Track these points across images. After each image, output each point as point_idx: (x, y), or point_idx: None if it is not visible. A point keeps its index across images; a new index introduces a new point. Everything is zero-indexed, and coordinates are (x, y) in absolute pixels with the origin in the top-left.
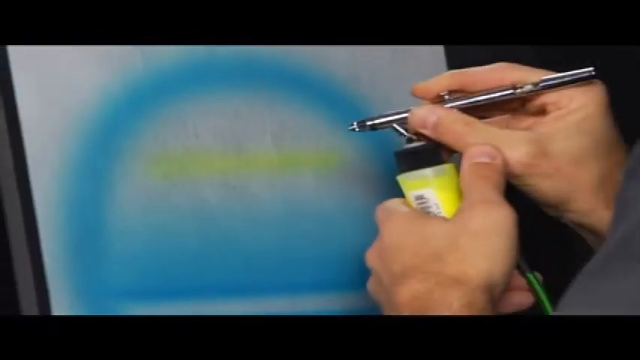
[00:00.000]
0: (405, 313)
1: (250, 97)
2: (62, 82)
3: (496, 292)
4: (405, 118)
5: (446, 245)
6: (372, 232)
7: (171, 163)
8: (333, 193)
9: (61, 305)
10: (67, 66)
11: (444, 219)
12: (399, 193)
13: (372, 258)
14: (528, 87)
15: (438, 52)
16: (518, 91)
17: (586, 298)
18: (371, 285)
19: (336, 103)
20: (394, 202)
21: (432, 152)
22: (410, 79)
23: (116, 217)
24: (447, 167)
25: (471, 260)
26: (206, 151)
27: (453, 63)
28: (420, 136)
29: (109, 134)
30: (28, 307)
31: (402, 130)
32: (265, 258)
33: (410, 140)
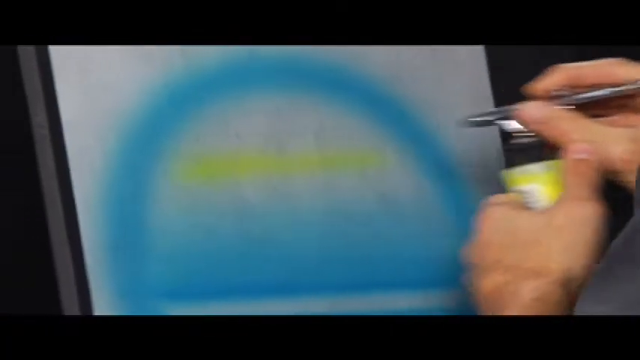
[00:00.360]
0: (483, 307)
1: (292, 97)
2: (103, 83)
3: (574, 286)
4: (511, 114)
5: (530, 239)
6: (411, 231)
7: (212, 163)
8: (373, 193)
9: (103, 305)
10: (108, 66)
11: (535, 213)
12: (436, 190)
13: (467, 253)
14: (631, 85)
15: (478, 51)
16: (622, 88)
17: (598, 298)
18: (467, 280)
19: (377, 103)
20: (495, 198)
21: (539, 148)
22: (450, 79)
23: (157, 217)
24: (553, 163)
25: (551, 254)
26: (247, 151)
27: (494, 63)
28: (527, 132)
29: (151, 134)
30: (70, 307)
31: (508, 127)
32: (306, 258)
33: (515, 136)
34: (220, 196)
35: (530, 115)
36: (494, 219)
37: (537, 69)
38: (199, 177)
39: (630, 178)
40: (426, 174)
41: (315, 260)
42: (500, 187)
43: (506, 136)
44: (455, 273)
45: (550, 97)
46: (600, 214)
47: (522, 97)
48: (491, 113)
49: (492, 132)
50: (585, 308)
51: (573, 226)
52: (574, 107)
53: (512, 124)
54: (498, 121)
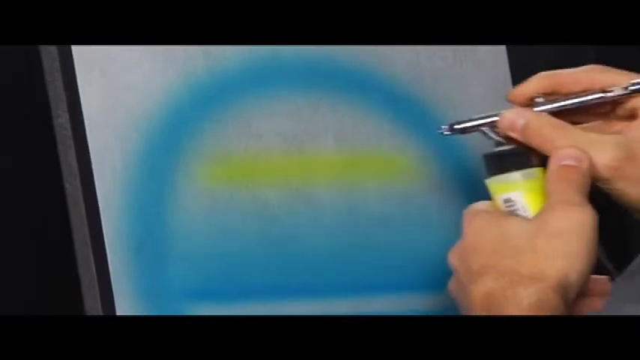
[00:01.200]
0: (478, 312)
1: (313, 98)
2: (125, 84)
3: (571, 292)
4: (494, 121)
5: (524, 244)
6: (433, 233)
7: (234, 164)
8: (395, 194)
9: (124, 306)
10: (130, 67)
11: (524, 219)
12: (457, 193)
13: (453, 257)
14: (618, 90)
15: (499, 52)
16: (608, 94)
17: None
18: (451, 284)
19: (398, 104)
20: (479, 204)
21: (521, 156)
22: (471, 80)
23: (179, 218)
24: (536, 171)
25: (547, 260)
26: (269, 152)
27: (515, 64)
28: (509, 139)
29: (172, 135)
30: (92, 308)
31: (491, 134)
32: (327, 259)
33: (499, 144)
34: (241, 197)
35: (512, 122)
36: (480, 224)
37: (559, 66)
38: (221, 178)
39: (617, 186)
40: (447, 175)
41: (336, 262)
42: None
43: (490, 142)
44: None
45: (531, 104)
46: (594, 220)
47: None
48: (473, 119)
49: None
50: (616, 308)
51: (569, 231)
52: (555, 114)
53: (494, 131)
54: (481, 128)
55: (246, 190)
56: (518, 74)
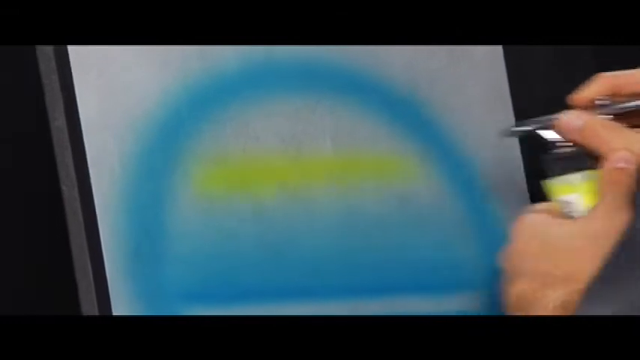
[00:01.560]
0: (512, 312)
1: (310, 100)
2: (122, 86)
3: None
4: (551, 124)
5: (562, 246)
6: (430, 235)
7: (231, 166)
8: (392, 196)
9: (121, 308)
10: (126, 69)
11: (569, 221)
12: (455, 195)
13: (501, 258)
14: None
15: (496, 53)
16: None
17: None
18: (501, 287)
19: (395, 106)
20: (535, 206)
21: (580, 158)
22: (468, 82)
23: (176, 220)
24: (593, 173)
25: (582, 262)
26: (266, 153)
27: (512, 65)
28: (567, 141)
29: (170, 136)
30: (89, 310)
31: (549, 136)
32: (324, 261)
33: (556, 146)
34: (239, 198)
35: (570, 124)
36: (530, 226)
37: (555, 71)
38: (218, 179)
39: None
40: (444, 177)
41: (333, 264)
42: (519, 192)
43: (547, 145)
44: (472, 278)
45: (591, 107)
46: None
47: (540, 99)
48: (531, 123)
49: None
50: (587, 309)
51: (607, 235)
52: (614, 116)
53: (553, 134)
54: (539, 131)
55: (243, 191)
56: (515, 76)
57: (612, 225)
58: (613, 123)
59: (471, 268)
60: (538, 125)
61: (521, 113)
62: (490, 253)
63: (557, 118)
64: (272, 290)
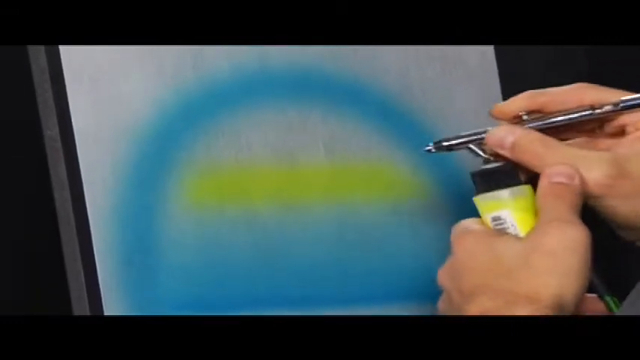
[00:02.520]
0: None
1: (303, 109)
2: (115, 95)
3: (566, 312)
4: (481, 138)
5: (518, 263)
6: (423, 245)
7: (223, 175)
8: (385, 205)
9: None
10: (120, 79)
11: (516, 237)
12: (447, 204)
13: (443, 276)
14: (608, 107)
15: (488, 61)
16: (597, 111)
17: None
18: (441, 303)
19: (388, 115)
20: (468, 222)
21: (510, 173)
22: (460, 90)
23: (169, 230)
24: (525, 188)
25: (542, 279)
26: (259, 163)
27: (505, 74)
28: (497, 156)
29: (162, 146)
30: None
31: (479, 151)
32: (318, 270)
33: (487, 161)
34: (232, 208)
35: (501, 138)
36: (471, 243)
37: (548, 78)
38: (211, 189)
39: (608, 203)
40: (438, 185)
41: (326, 273)
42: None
43: (477, 160)
44: None
45: (517, 121)
46: (589, 238)
47: None
48: (460, 137)
49: None
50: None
51: (564, 249)
52: (542, 131)
53: (480, 148)
54: (468, 145)
55: (236, 201)
56: (508, 85)
57: (568, 240)
58: (546, 137)
59: None
60: (467, 139)
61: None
62: None
63: (485, 132)
64: (265, 299)
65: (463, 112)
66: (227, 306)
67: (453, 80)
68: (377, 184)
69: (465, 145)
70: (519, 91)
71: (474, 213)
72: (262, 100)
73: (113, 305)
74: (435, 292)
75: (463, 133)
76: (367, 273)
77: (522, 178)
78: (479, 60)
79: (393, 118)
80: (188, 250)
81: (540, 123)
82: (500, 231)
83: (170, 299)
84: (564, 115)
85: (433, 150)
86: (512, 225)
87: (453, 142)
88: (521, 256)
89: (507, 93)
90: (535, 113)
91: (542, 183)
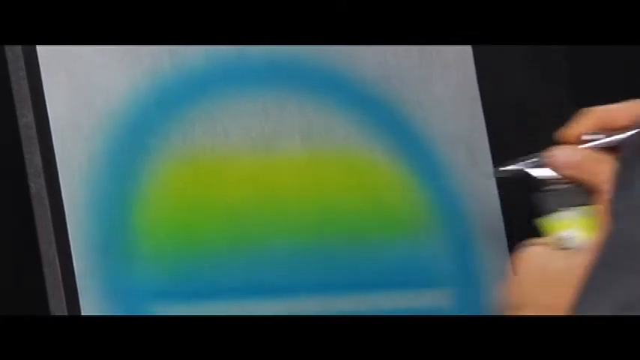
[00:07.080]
0: None
1: (279, 97)
2: (91, 83)
3: None
4: (541, 161)
5: (564, 278)
6: (399, 232)
7: (200, 163)
8: (362, 193)
9: (90, 306)
10: (95, 67)
11: (570, 253)
12: (425, 193)
13: (501, 291)
14: None
15: (465, 53)
16: None
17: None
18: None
19: (365, 103)
20: (533, 240)
21: (575, 193)
22: (437, 80)
23: (145, 218)
24: (589, 208)
25: None
26: (235, 151)
27: (481, 64)
28: (561, 178)
29: (138, 134)
30: (58, 308)
31: (537, 174)
32: (295, 258)
33: (548, 183)
34: (208, 196)
35: (562, 160)
36: (530, 259)
37: (524, 70)
38: (187, 177)
39: None
40: (414, 174)
41: (304, 261)
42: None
43: (538, 183)
44: (443, 274)
45: (580, 142)
46: None
47: (509, 98)
48: (520, 161)
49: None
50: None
51: None
52: (605, 150)
53: (544, 171)
54: (529, 169)
55: (212, 189)
56: (484, 74)
57: None
58: (605, 156)
59: (442, 264)
60: (528, 163)
61: (492, 112)
62: (460, 249)
63: (547, 155)
64: (243, 287)
65: (441, 100)
66: (204, 293)
67: (430, 69)
68: (354, 172)
69: (523, 170)
70: (495, 81)
71: (452, 202)
72: (238, 88)
73: (89, 293)
74: (413, 280)
75: (522, 158)
76: (345, 260)
77: (586, 198)
78: (456, 51)
79: (370, 107)
80: (164, 237)
81: (601, 142)
82: (567, 249)
83: (146, 286)
84: (618, 134)
85: (498, 175)
86: (578, 244)
87: (513, 167)
88: (569, 270)
89: (483, 82)
90: (599, 132)
91: (602, 201)
